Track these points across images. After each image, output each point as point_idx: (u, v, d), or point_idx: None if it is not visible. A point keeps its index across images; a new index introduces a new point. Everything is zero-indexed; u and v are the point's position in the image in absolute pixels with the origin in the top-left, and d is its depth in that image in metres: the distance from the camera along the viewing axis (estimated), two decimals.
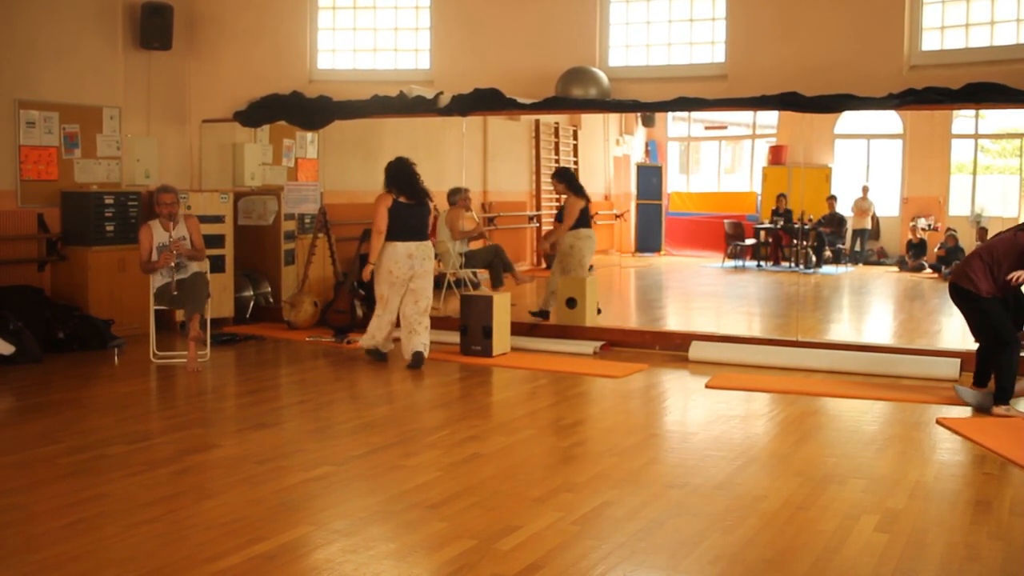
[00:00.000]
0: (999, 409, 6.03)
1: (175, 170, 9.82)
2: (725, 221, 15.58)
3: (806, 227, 13.82)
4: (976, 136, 15.23)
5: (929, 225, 14.64)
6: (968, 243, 13.04)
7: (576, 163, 14.59)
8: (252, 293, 9.79)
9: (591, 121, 14.70)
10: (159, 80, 9.70)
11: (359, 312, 9.05)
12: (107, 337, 8.18)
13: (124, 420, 5.80)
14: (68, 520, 4.02)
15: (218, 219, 9.11)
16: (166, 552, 3.68)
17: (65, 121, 8.80)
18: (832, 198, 14.99)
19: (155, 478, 4.64)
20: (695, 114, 15.94)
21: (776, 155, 16.23)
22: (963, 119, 14.90)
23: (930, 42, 8.24)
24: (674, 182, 17.74)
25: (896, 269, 14.49)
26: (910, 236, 14.53)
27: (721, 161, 18.59)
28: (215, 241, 8.82)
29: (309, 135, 10.71)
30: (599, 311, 9.18)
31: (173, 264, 7.31)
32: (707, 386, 6.97)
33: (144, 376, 7.26)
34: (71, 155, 8.87)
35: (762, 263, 14.81)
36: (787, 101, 7.99)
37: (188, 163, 10.06)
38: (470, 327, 8.00)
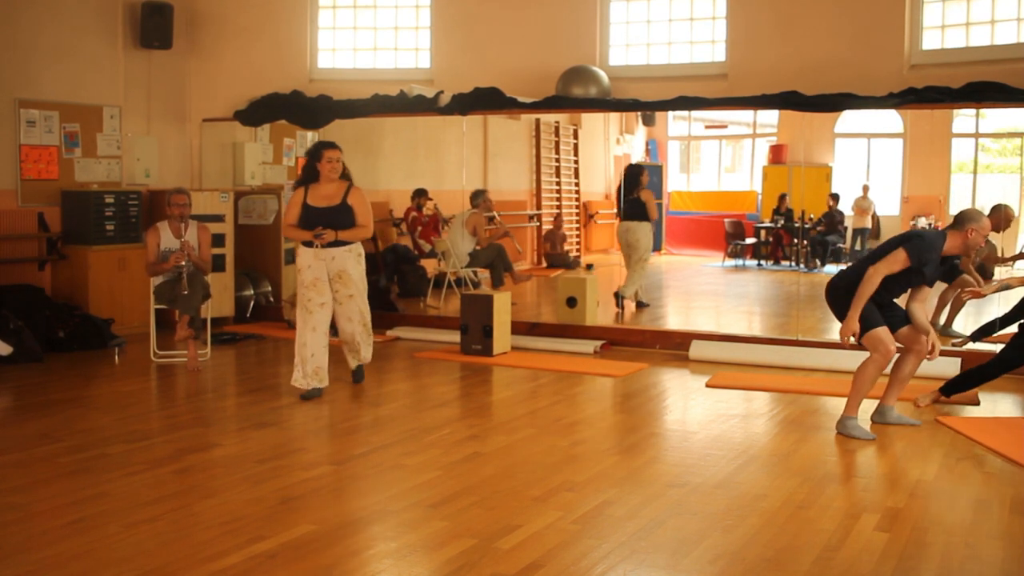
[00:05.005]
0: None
1: (175, 169, 9.82)
2: (725, 220, 15.57)
3: (806, 226, 13.81)
4: (977, 135, 15.20)
5: (930, 224, 14.61)
6: None
7: (576, 162, 14.59)
8: (252, 292, 9.79)
9: (591, 120, 14.70)
10: (159, 79, 9.70)
11: None
12: (107, 336, 8.17)
13: (124, 419, 5.80)
14: (68, 519, 4.02)
15: (218, 218, 9.11)
16: (166, 551, 3.68)
17: (65, 120, 8.80)
18: (833, 197, 14.96)
19: (155, 477, 4.64)
20: (695, 113, 15.95)
21: (776, 154, 16.21)
22: (964, 118, 14.85)
23: (931, 41, 8.24)
24: (674, 181, 17.73)
25: None
26: None
27: (721, 160, 18.59)
28: (215, 240, 8.76)
29: (309, 134, 10.71)
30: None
31: (183, 263, 7.24)
32: (707, 385, 6.97)
33: (144, 375, 7.26)
34: (71, 154, 8.88)
35: (762, 262, 14.80)
36: (787, 100, 7.99)
37: (188, 162, 10.06)
38: (470, 326, 8.00)
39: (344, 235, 6.32)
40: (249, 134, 10.16)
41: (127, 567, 3.51)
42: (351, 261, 6.43)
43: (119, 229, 8.76)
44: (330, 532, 3.92)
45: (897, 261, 5.41)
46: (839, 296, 5.65)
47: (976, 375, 6.24)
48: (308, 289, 6.37)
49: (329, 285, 6.41)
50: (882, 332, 5.46)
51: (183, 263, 7.20)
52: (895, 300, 5.71)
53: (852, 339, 5.47)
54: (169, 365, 7.51)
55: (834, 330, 5.99)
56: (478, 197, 10.09)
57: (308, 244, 6.34)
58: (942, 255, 5.53)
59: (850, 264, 5.74)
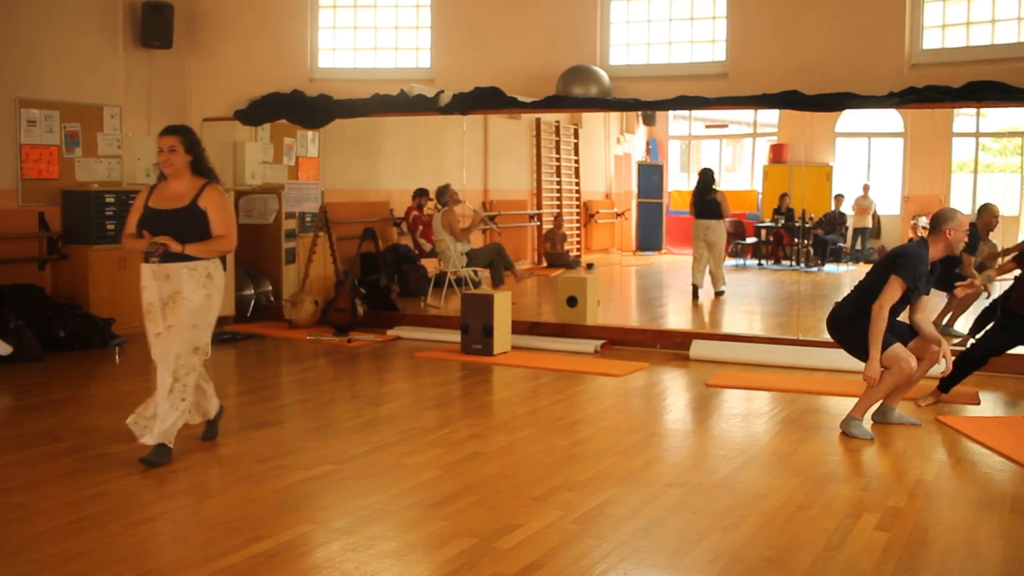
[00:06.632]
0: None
1: None
2: (726, 220, 15.55)
3: (807, 226, 13.80)
4: (977, 134, 15.21)
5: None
6: None
7: (577, 162, 14.58)
8: (253, 292, 9.79)
9: (592, 120, 14.69)
10: (160, 78, 9.70)
11: (360, 311, 9.05)
12: (108, 336, 8.18)
13: (125, 419, 5.79)
14: (69, 519, 4.02)
15: None
16: (167, 551, 3.68)
17: (66, 120, 8.80)
18: (838, 196, 14.95)
19: (156, 477, 4.64)
20: (696, 113, 15.94)
21: (777, 154, 16.21)
22: (964, 117, 14.87)
23: (931, 40, 8.24)
24: (675, 181, 17.72)
25: None
26: (911, 235, 14.50)
27: (722, 160, 18.57)
28: None
29: (310, 134, 10.72)
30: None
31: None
32: (708, 384, 6.97)
33: (145, 375, 7.24)
34: (72, 154, 8.88)
35: (763, 262, 14.79)
36: (788, 99, 7.98)
37: None
38: (471, 326, 7.99)
39: (192, 249, 4.83)
40: (249, 133, 10.16)
41: (127, 566, 3.52)
42: (191, 283, 4.84)
43: (119, 228, 8.73)
44: (330, 532, 3.92)
45: (896, 289, 5.43)
46: (842, 326, 5.72)
47: (967, 363, 6.27)
48: (144, 317, 4.95)
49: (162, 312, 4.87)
50: (898, 349, 5.48)
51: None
52: (897, 316, 5.74)
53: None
54: None
55: None
56: (443, 195, 10.12)
57: (146, 258, 4.93)
58: (931, 262, 5.56)
59: (847, 296, 5.77)
